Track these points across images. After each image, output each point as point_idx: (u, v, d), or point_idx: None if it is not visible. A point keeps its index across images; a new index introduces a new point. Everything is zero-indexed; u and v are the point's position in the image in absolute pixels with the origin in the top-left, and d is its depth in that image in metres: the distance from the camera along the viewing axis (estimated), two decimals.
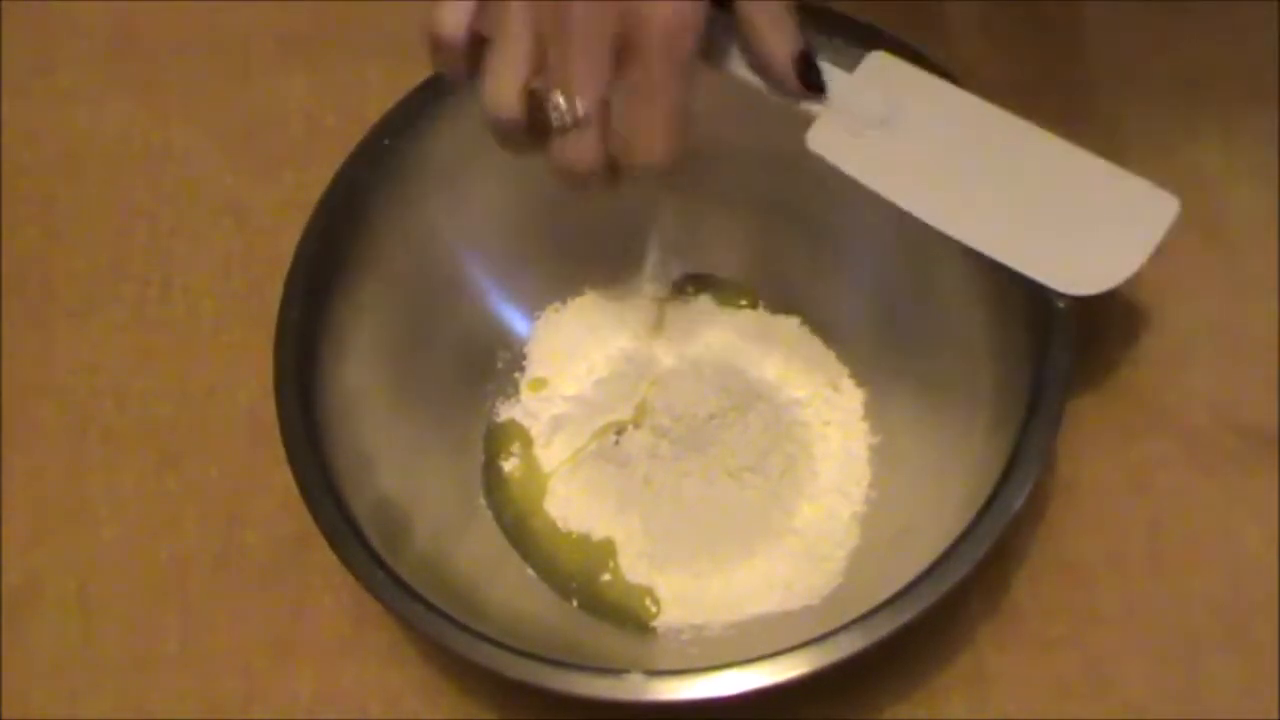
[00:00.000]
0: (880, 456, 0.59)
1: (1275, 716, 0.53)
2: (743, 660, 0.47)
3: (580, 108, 0.48)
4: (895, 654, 0.52)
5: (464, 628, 0.49)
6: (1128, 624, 0.55)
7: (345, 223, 0.56)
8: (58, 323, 0.65)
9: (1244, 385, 0.59)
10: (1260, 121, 0.64)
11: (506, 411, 0.61)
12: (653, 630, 0.56)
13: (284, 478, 0.51)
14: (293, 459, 0.51)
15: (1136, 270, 0.51)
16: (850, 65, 0.53)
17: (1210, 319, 0.60)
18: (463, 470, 0.60)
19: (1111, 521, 0.57)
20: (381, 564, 0.49)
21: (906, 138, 0.52)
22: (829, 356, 0.61)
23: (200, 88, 0.71)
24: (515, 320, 0.62)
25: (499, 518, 0.59)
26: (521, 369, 0.62)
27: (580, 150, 0.49)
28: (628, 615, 0.56)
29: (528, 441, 0.61)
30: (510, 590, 0.56)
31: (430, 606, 0.49)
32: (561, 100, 0.48)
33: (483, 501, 0.59)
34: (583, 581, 0.57)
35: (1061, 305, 0.51)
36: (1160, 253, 0.58)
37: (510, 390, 0.62)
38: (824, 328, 0.61)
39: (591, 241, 0.61)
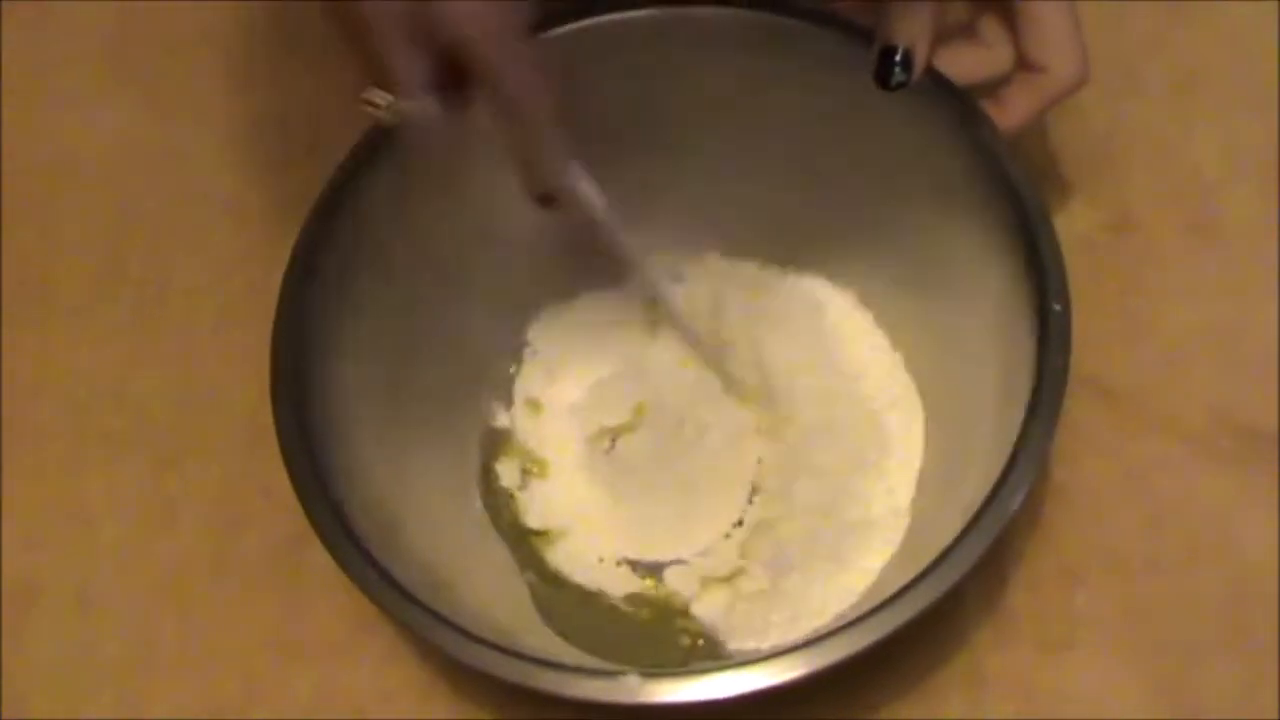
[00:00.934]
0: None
1: (1274, 718, 0.53)
2: (739, 662, 0.47)
3: (396, 100, 0.48)
4: (893, 655, 0.52)
5: (460, 630, 0.48)
6: (1125, 626, 0.55)
7: (343, 224, 0.56)
8: (56, 324, 0.65)
9: (1242, 387, 0.58)
10: (1259, 122, 0.64)
11: (504, 415, 0.61)
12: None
13: (282, 480, 0.51)
14: (289, 461, 0.51)
15: None
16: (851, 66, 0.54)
17: (1208, 320, 0.60)
18: (460, 473, 0.60)
19: (1109, 523, 0.57)
20: (377, 566, 0.49)
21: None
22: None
23: (199, 88, 0.71)
24: (514, 322, 0.63)
25: (495, 520, 0.59)
26: (520, 372, 0.62)
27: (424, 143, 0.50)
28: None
29: (525, 445, 0.61)
30: (507, 592, 0.56)
31: (426, 609, 0.49)
32: (375, 97, 0.48)
33: (479, 504, 0.59)
34: None
35: (1058, 307, 0.51)
36: (1159, 254, 0.58)
37: (508, 394, 0.62)
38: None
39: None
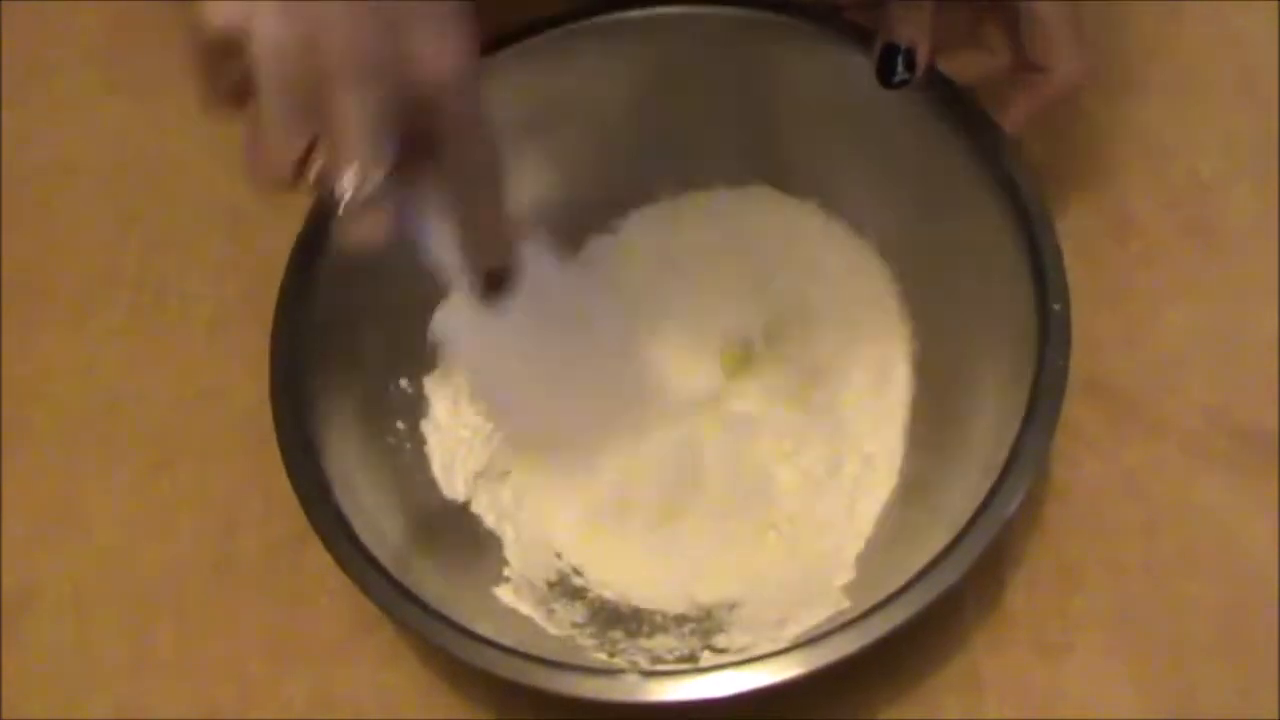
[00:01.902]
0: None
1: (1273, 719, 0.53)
2: (737, 661, 0.47)
3: (365, 192, 0.42)
4: (890, 656, 0.52)
5: (460, 629, 0.48)
6: (1123, 628, 0.55)
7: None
8: (53, 327, 0.65)
9: (1241, 389, 0.58)
10: (1259, 124, 0.64)
11: None
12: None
13: (279, 481, 0.51)
14: (288, 462, 0.51)
15: None
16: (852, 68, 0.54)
17: (1207, 322, 0.60)
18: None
19: (1108, 525, 0.57)
20: (377, 566, 0.49)
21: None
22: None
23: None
24: None
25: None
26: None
27: (370, 230, 0.43)
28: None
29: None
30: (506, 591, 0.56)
31: (426, 608, 0.49)
32: (348, 185, 0.42)
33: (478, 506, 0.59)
34: None
35: (1058, 307, 0.51)
36: (1158, 255, 0.58)
37: None
38: None
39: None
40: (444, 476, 0.58)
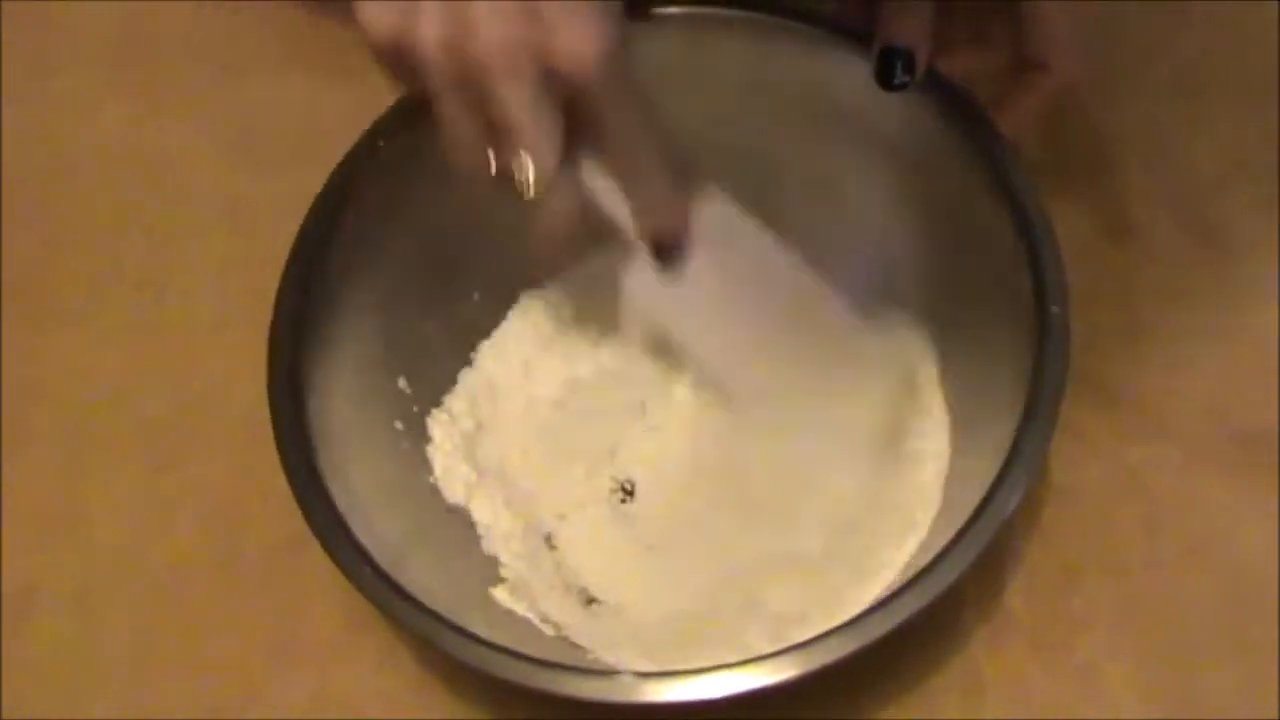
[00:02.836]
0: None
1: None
2: (735, 662, 0.47)
3: (544, 178, 0.45)
4: (889, 657, 0.52)
5: (457, 630, 0.48)
6: (1124, 628, 0.55)
7: (341, 225, 0.56)
8: (54, 326, 0.65)
9: (1241, 389, 0.58)
10: (1260, 123, 0.64)
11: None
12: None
13: (280, 481, 0.51)
14: (286, 462, 0.51)
15: None
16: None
17: (1207, 322, 0.60)
18: None
19: (1108, 526, 0.57)
20: (375, 567, 0.49)
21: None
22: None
23: (198, 89, 0.71)
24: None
25: None
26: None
27: (556, 219, 0.47)
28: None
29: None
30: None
31: (423, 609, 0.49)
32: (528, 174, 0.45)
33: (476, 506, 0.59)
34: None
35: (1058, 309, 0.51)
36: (1158, 255, 0.58)
37: None
38: None
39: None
40: (443, 477, 0.58)
